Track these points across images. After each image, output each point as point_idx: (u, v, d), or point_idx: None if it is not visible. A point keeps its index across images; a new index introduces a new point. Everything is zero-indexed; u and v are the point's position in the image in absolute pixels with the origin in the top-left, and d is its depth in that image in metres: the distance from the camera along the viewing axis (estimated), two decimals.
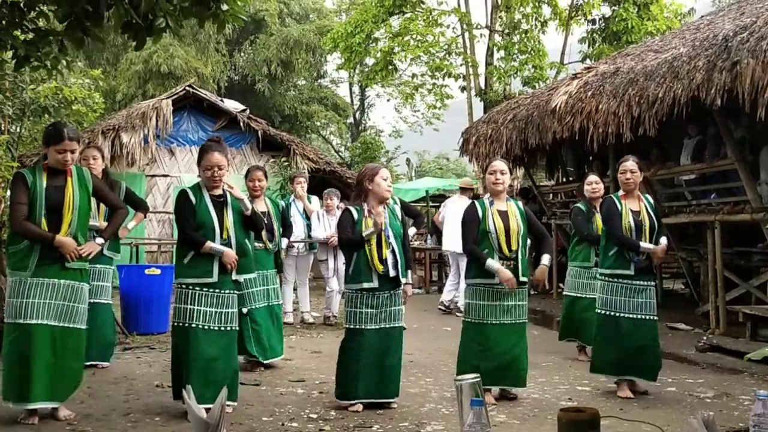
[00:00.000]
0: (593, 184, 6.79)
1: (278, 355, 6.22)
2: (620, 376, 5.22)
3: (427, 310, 10.27)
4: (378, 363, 4.77)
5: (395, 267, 4.84)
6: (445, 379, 5.61)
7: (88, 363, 5.16)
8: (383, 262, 4.81)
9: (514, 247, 5.02)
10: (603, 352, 5.28)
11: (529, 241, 5.39)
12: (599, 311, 5.33)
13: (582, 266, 6.73)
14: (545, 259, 5.18)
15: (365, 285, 4.79)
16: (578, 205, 6.95)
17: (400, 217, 5.15)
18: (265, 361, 6.05)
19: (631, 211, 5.26)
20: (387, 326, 4.83)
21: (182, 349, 4.47)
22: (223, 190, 4.64)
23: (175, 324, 4.52)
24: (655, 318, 5.28)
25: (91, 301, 5.45)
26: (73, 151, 4.37)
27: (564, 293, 7.09)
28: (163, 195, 13.85)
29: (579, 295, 6.72)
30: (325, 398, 5.04)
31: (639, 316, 5.19)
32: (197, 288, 4.48)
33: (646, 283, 5.25)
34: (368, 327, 4.79)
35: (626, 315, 5.19)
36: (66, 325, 4.34)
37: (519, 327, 5.09)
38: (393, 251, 4.85)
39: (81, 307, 4.42)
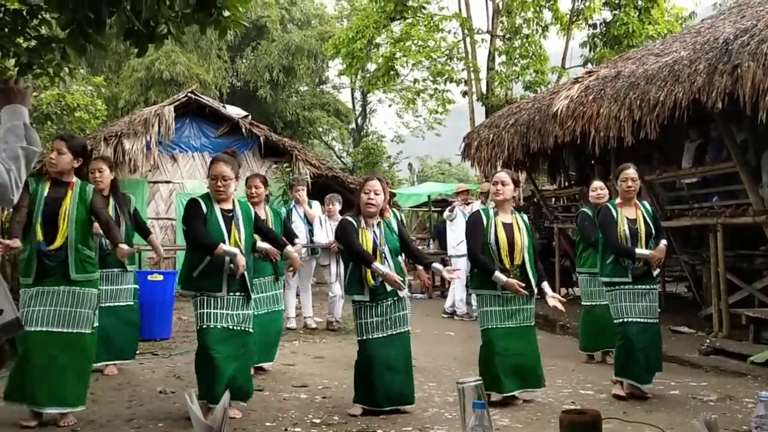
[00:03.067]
0: (598, 190, 6.79)
1: (266, 362, 6.17)
2: (628, 378, 5.19)
3: (430, 315, 10.27)
4: (391, 370, 4.76)
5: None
6: (448, 384, 5.60)
7: (109, 363, 5.81)
8: (375, 277, 4.79)
9: (517, 262, 5.03)
10: (623, 357, 5.23)
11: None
12: (615, 320, 5.32)
13: (590, 272, 6.72)
14: (548, 289, 5.17)
15: (356, 297, 4.82)
16: (584, 210, 6.95)
17: (397, 231, 5.07)
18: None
19: (627, 218, 5.27)
20: (393, 333, 4.83)
21: (199, 351, 4.48)
22: (233, 203, 4.65)
23: (196, 329, 4.53)
24: (656, 321, 5.28)
25: (111, 304, 5.79)
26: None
27: (582, 304, 7.04)
28: (165, 201, 13.85)
29: (593, 303, 6.74)
30: (328, 403, 5.03)
31: (643, 320, 5.20)
32: (209, 295, 4.48)
33: (648, 287, 5.25)
34: (375, 336, 4.79)
35: (634, 319, 5.19)
36: (66, 330, 4.35)
37: (526, 330, 5.12)
38: (388, 267, 4.81)
39: (85, 312, 4.43)
